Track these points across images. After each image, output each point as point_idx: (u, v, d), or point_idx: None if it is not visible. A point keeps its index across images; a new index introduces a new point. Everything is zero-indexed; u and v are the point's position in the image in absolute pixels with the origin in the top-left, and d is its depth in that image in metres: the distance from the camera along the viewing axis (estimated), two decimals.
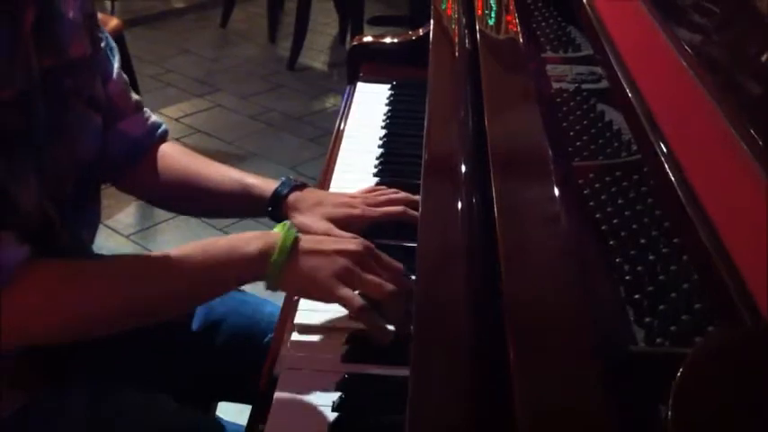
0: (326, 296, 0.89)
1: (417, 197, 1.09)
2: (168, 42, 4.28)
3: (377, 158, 1.32)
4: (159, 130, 1.19)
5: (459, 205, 0.84)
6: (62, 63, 0.97)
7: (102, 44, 1.10)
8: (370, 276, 0.88)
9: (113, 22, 2.75)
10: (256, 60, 4.16)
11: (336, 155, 1.35)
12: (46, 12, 0.95)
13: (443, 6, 1.50)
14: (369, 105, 1.53)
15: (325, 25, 4.46)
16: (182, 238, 2.62)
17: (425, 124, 1.09)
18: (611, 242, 0.72)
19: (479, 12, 1.32)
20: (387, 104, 1.52)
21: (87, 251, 1.10)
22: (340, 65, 4.09)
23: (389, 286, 0.88)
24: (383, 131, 1.41)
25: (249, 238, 0.91)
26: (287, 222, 0.93)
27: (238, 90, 3.75)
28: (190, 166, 1.18)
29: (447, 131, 1.04)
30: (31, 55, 0.92)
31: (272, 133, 3.35)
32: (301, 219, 1.08)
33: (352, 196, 1.14)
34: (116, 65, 1.14)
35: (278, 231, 0.91)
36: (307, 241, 0.91)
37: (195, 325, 1.13)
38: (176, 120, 3.38)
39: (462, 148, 0.95)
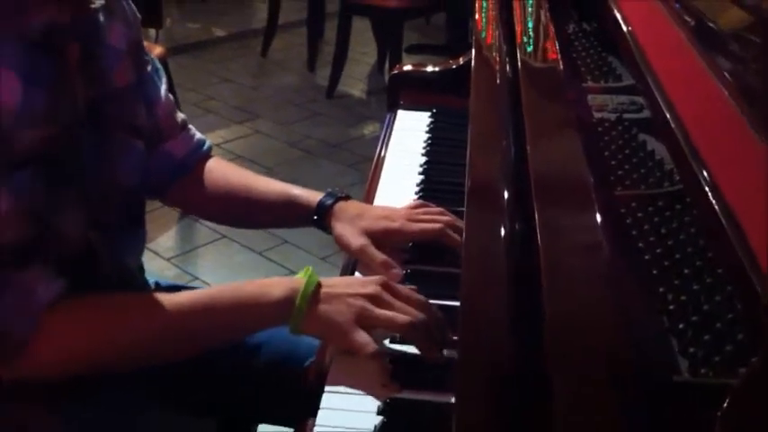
0: (342, 341, 0.91)
1: (460, 221, 1.11)
2: (210, 70, 4.36)
3: (417, 185, 1.33)
4: (204, 147, 1.23)
5: (503, 231, 0.85)
6: (106, 92, 1.00)
7: (149, 68, 1.14)
8: (386, 313, 0.91)
9: (157, 50, 2.81)
10: (295, 88, 4.21)
11: (377, 182, 1.37)
12: (91, 44, 0.98)
13: (483, 35, 1.51)
14: (409, 133, 1.55)
15: (363, 54, 4.51)
16: (221, 262, 2.66)
17: (468, 151, 1.10)
18: (654, 271, 0.72)
19: (519, 40, 1.34)
20: (427, 132, 1.54)
21: (132, 276, 1.12)
22: (378, 92, 4.13)
23: (404, 319, 0.90)
24: (424, 158, 1.42)
25: (274, 284, 0.95)
26: (309, 268, 0.96)
27: (278, 117, 3.80)
28: (236, 179, 1.22)
29: (489, 158, 1.05)
30: (76, 87, 0.94)
31: (311, 160, 3.38)
32: (341, 230, 1.12)
33: (395, 210, 1.16)
34: (163, 87, 1.17)
35: (301, 278, 0.94)
36: (327, 287, 0.94)
37: (236, 348, 1.15)
38: (217, 146, 3.42)
39: (505, 174, 0.96)
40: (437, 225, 1.11)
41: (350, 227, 1.12)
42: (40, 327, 0.88)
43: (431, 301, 0.96)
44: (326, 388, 0.89)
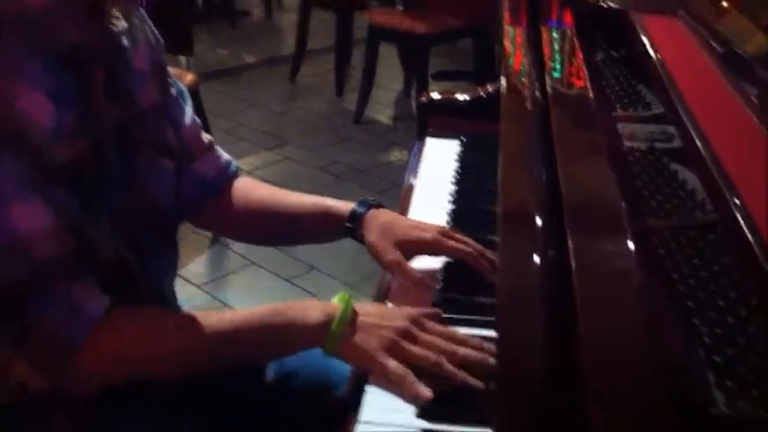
0: (372, 367, 0.93)
1: (489, 252, 1.12)
2: (239, 96, 4.41)
3: (447, 213, 1.34)
4: (232, 167, 1.25)
5: (537, 259, 0.86)
6: (132, 113, 1.02)
7: (173, 90, 1.16)
8: (417, 351, 0.92)
9: (189, 77, 2.85)
10: (323, 114, 4.25)
11: (407, 210, 1.38)
12: (116, 66, 1.00)
13: (511, 62, 1.52)
14: (438, 160, 1.56)
15: (390, 80, 4.54)
16: (250, 288, 2.68)
17: (499, 178, 1.11)
18: (689, 303, 0.72)
19: (548, 67, 1.34)
20: (456, 160, 1.54)
21: (166, 299, 1.14)
22: (405, 118, 4.16)
23: (435, 359, 0.91)
24: (453, 187, 1.43)
25: (311, 307, 0.97)
26: (345, 294, 0.97)
27: (306, 143, 3.83)
28: (267, 195, 1.24)
29: (521, 185, 1.06)
30: (102, 107, 0.97)
31: (340, 185, 3.41)
32: (374, 240, 1.13)
33: (426, 223, 1.18)
34: (188, 110, 1.19)
35: (337, 303, 0.96)
36: (362, 316, 0.95)
37: (269, 376, 1.16)
38: (248, 173, 3.46)
39: (537, 201, 0.97)
40: (468, 248, 1.12)
41: (383, 238, 1.13)
42: (89, 338, 0.90)
43: (462, 331, 0.97)
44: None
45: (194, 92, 2.74)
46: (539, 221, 0.93)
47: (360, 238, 1.16)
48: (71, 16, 0.93)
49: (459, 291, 1.08)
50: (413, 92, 4.25)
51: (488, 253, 1.11)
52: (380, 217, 1.16)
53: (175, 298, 1.19)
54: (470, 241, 1.14)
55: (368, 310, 0.97)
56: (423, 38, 3.79)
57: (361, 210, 1.17)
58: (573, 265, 0.76)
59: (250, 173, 3.46)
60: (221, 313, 0.99)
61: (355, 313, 0.95)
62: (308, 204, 1.22)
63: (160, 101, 1.10)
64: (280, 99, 4.48)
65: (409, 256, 1.12)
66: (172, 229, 1.15)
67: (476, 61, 4.08)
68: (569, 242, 0.81)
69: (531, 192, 1.02)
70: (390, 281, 1.13)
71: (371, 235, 1.14)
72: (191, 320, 0.97)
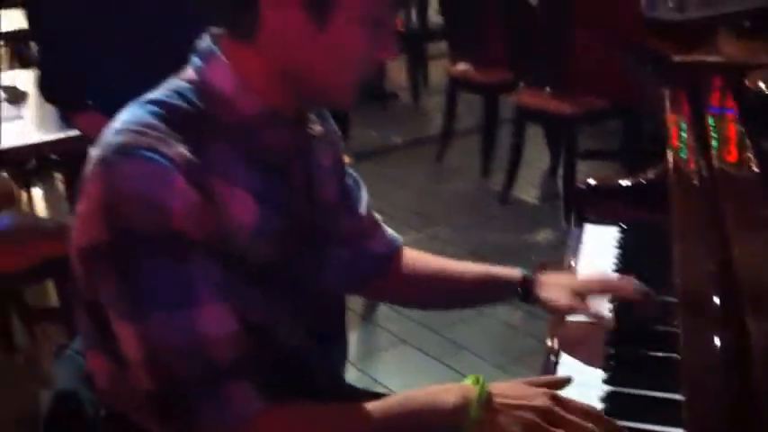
0: None
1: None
2: (388, 176, 4.53)
3: (609, 301, 1.33)
4: (398, 242, 1.32)
5: (717, 340, 0.86)
6: (319, 208, 1.09)
7: (350, 180, 1.23)
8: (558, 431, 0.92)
9: (345, 160, 2.97)
10: (470, 194, 4.30)
11: None
12: (308, 165, 1.08)
13: (678, 148, 1.51)
14: (597, 248, 1.55)
15: (535, 159, 4.54)
16: (400, 367, 2.71)
17: (675, 257, 1.12)
18: None
19: (715, 151, 1.34)
20: (616, 246, 1.54)
21: (341, 383, 1.19)
22: (551, 198, 4.14)
23: None
24: (615, 275, 1.42)
25: (448, 390, 0.97)
26: (480, 376, 0.98)
27: (453, 223, 3.88)
28: (434, 264, 1.32)
29: (698, 269, 1.09)
30: (298, 205, 1.04)
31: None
32: (548, 295, 1.20)
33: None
34: (363, 195, 1.26)
35: (472, 386, 0.96)
36: (498, 396, 0.96)
37: None
38: None
39: (715, 286, 0.99)
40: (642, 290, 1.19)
41: (556, 291, 1.20)
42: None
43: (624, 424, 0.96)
44: None
45: None
46: (717, 303, 0.94)
47: (531, 299, 1.23)
48: (278, 124, 1.01)
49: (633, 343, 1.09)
50: (559, 171, 4.24)
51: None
52: (551, 276, 1.23)
53: (345, 381, 1.24)
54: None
55: (503, 389, 0.98)
56: (570, 119, 3.79)
57: (530, 273, 1.24)
58: (752, 346, 0.76)
59: None
60: (374, 403, 0.99)
61: (491, 394, 0.96)
62: (473, 272, 1.30)
63: (339, 193, 1.17)
64: (427, 179, 4.57)
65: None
66: (344, 316, 1.21)
67: (624, 141, 4.02)
68: (748, 323, 0.81)
69: (707, 276, 1.04)
70: (560, 333, 1.19)
71: (544, 291, 1.21)
72: (351, 413, 0.97)
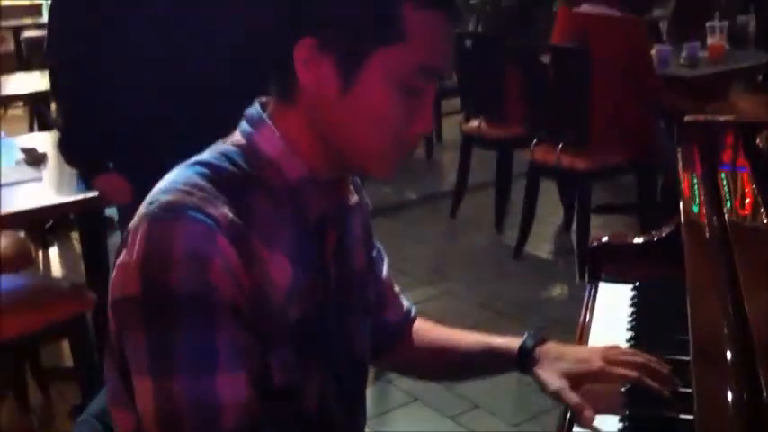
0: None
1: (657, 364, 1.14)
2: (402, 231, 4.55)
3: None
4: (413, 313, 1.32)
5: (730, 395, 0.87)
6: (349, 276, 1.11)
7: (374, 251, 1.24)
8: None
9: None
10: (484, 249, 4.30)
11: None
12: (344, 231, 1.09)
13: (690, 204, 1.52)
14: (611, 307, 1.55)
15: (548, 214, 4.55)
16: (414, 425, 2.70)
17: (689, 311, 1.13)
18: None
19: (727, 206, 1.35)
20: (630, 305, 1.53)
21: None
22: (565, 253, 4.14)
23: None
24: (629, 333, 1.41)
25: None
26: None
27: (467, 278, 3.88)
28: (441, 337, 1.31)
29: (710, 321, 1.10)
30: (331, 271, 1.06)
31: (501, 321, 3.40)
32: (541, 373, 1.17)
33: (593, 352, 1.20)
34: (385, 264, 1.27)
35: None
36: None
37: None
38: None
39: (728, 334, 0.99)
40: (634, 373, 1.14)
41: (550, 370, 1.17)
42: None
43: None
44: None
45: None
46: (729, 356, 0.95)
47: (528, 372, 1.21)
48: (321, 189, 1.03)
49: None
50: (573, 226, 4.24)
51: (658, 364, 1.14)
52: (550, 353, 1.20)
53: None
54: (639, 357, 1.16)
55: None
56: (583, 174, 3.81)
57: (529, 346, 1.22)
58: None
59: None
60: None
61: None
62: (478, 345, 1.28)
63: (367, 261, 1.19)
64: (441, 234, 4.59)
65: (578, 387, 1.14)
66: (365, 380, 1.21)
67: (639, 196, 4.03)
68: (761, 378, 0.81)
69: (720, 332, 1.04)
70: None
71: (539, 370, 1.18)
72: None
